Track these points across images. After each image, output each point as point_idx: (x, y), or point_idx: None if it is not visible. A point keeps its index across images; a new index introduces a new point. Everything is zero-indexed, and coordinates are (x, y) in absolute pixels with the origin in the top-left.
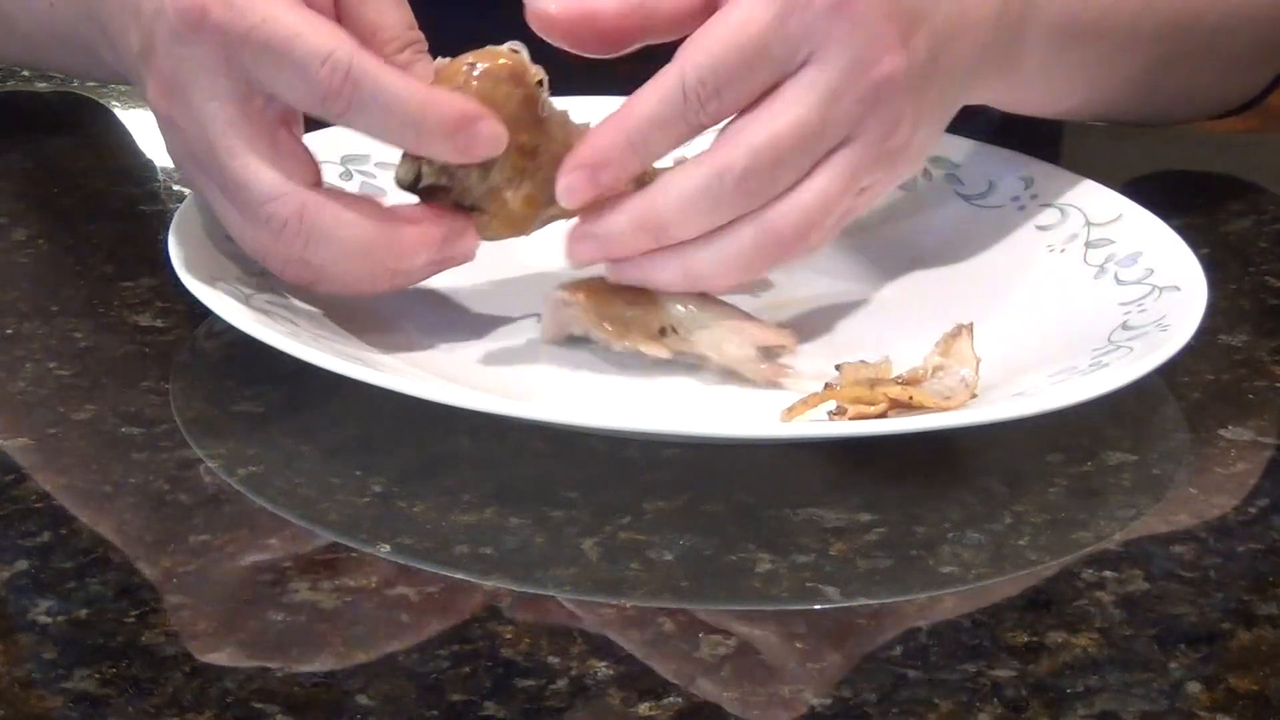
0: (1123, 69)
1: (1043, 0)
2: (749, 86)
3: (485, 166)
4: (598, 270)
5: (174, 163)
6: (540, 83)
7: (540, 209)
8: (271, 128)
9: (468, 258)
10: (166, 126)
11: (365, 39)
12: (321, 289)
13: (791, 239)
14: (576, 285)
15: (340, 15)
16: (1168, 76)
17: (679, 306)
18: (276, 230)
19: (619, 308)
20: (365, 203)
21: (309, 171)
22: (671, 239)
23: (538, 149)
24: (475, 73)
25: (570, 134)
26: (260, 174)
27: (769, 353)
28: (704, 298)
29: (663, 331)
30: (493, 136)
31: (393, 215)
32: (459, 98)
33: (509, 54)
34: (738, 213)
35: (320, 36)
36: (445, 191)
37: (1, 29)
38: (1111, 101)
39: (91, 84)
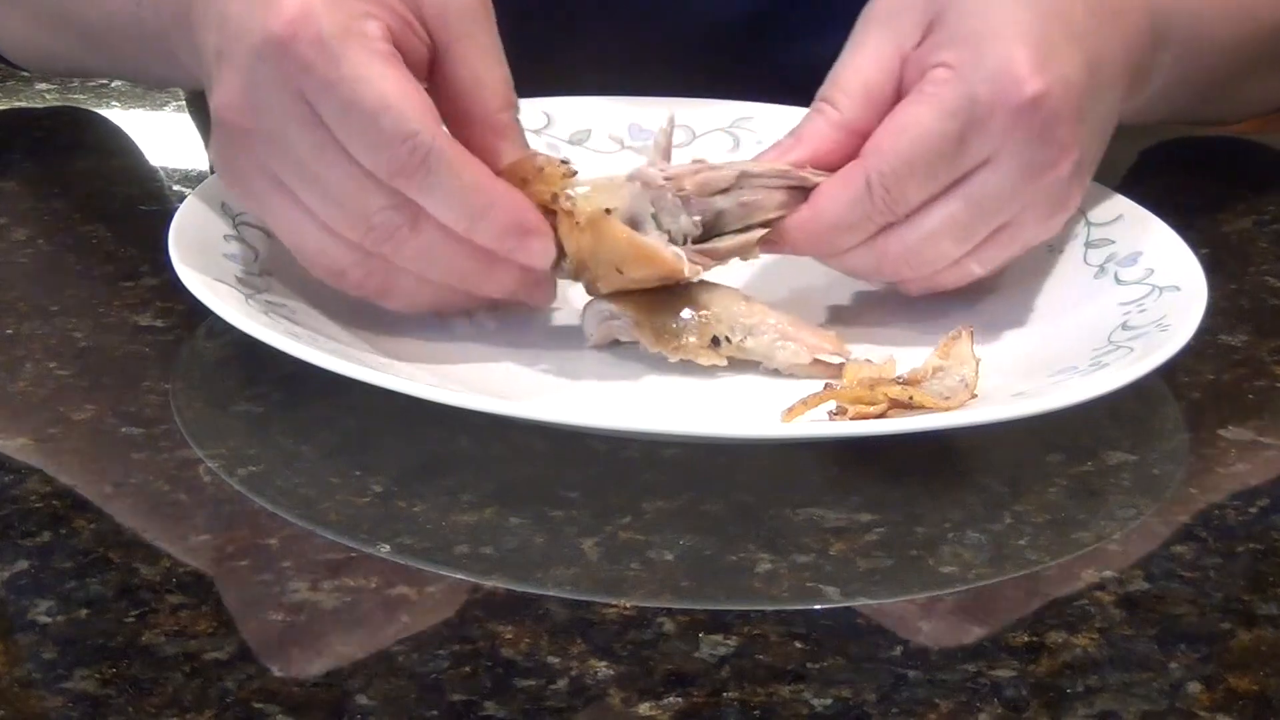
0: (1216, 77)
1: (1173, 27)
2: (934, 185)
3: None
4: None
5: (231, 177)
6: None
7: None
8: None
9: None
10: (235, 137)
11: (465, 93)
12: (393, 301)
13: (913, 280)
14: (617, 296)
15: (438, 67)
16: (1246, 81)
17: (730, 315)
18: (378, 237)
19: (668, 318)
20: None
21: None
22: (831, 250)
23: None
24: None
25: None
26: (359, 185)
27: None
28: (753, 308)
29: (715, 341)
30: (542, 252)
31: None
32: (524, 205)
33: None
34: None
35: (407, 113)
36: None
37: (69, 28)
38: (1192, 108)
39: (92, 86)
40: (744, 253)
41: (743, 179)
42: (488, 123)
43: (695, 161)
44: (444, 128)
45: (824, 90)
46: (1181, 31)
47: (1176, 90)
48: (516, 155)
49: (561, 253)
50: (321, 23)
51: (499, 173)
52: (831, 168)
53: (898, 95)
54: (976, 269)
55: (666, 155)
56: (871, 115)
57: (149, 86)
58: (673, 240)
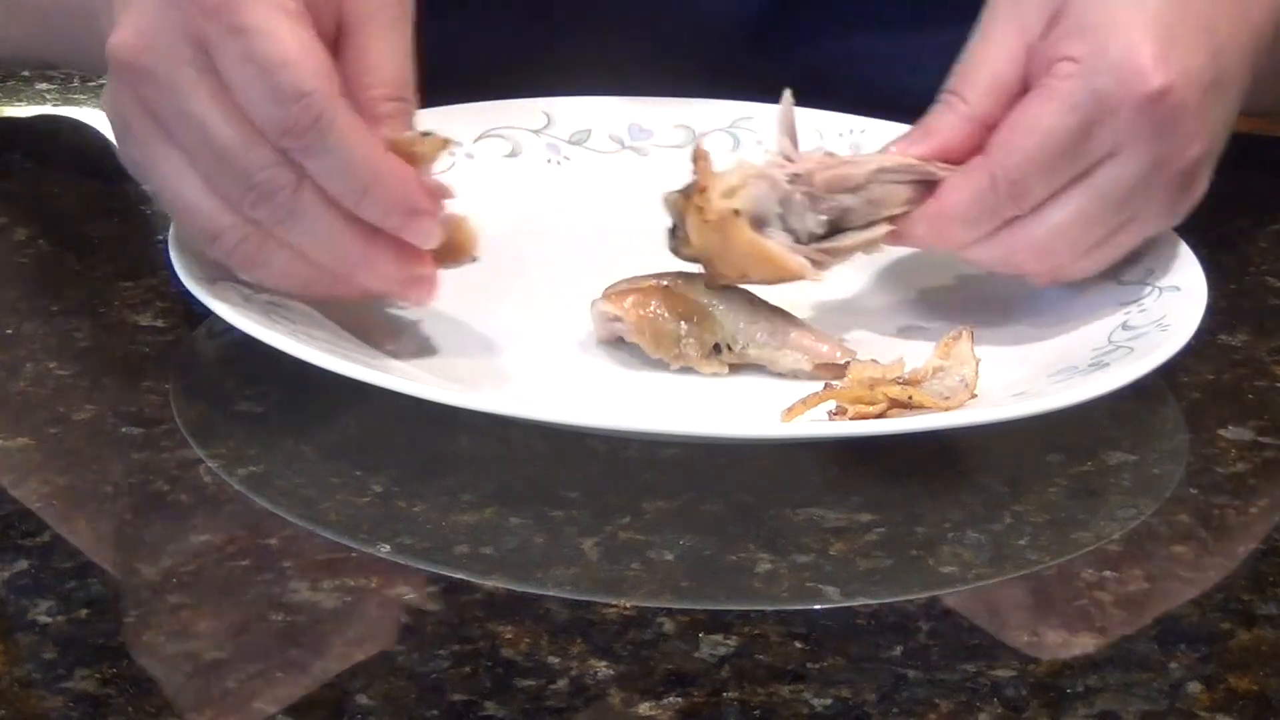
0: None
1: (1253, 21)
2: (1059, 179)
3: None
4: (626, 273)
5: (118, 124)
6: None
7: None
8: None
9: (427, 296)
10: (127, 79)
11: (358, 76)
12: (264, 273)
13: (1045, 272)
14: (620, 299)
15: (342, 45)
16: None
17: (731, 321)
18: (260, 195)
19: (669, 325)
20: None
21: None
22: (953, 243)
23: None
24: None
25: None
26: (238, 137)
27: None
28: (757, 310)
29: (716, 348)
30: (428, 233)
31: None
32: (413, 183)
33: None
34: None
35: (305, 72)
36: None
37: (23, 16)
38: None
39: (92, 86)
40: (869, 248)
41: (874, 175)
42: (373, 109)
43: (826, 155)
44: (342, 98)
45: (951, 82)
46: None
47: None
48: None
49: (688, 242)
50: None
51: None
52: (959, 161)
53: (1024, 87)
54: (1103, 259)
55: (794, 139)
56: (998, 108)
57: (66, 64)
58: (798, 239)
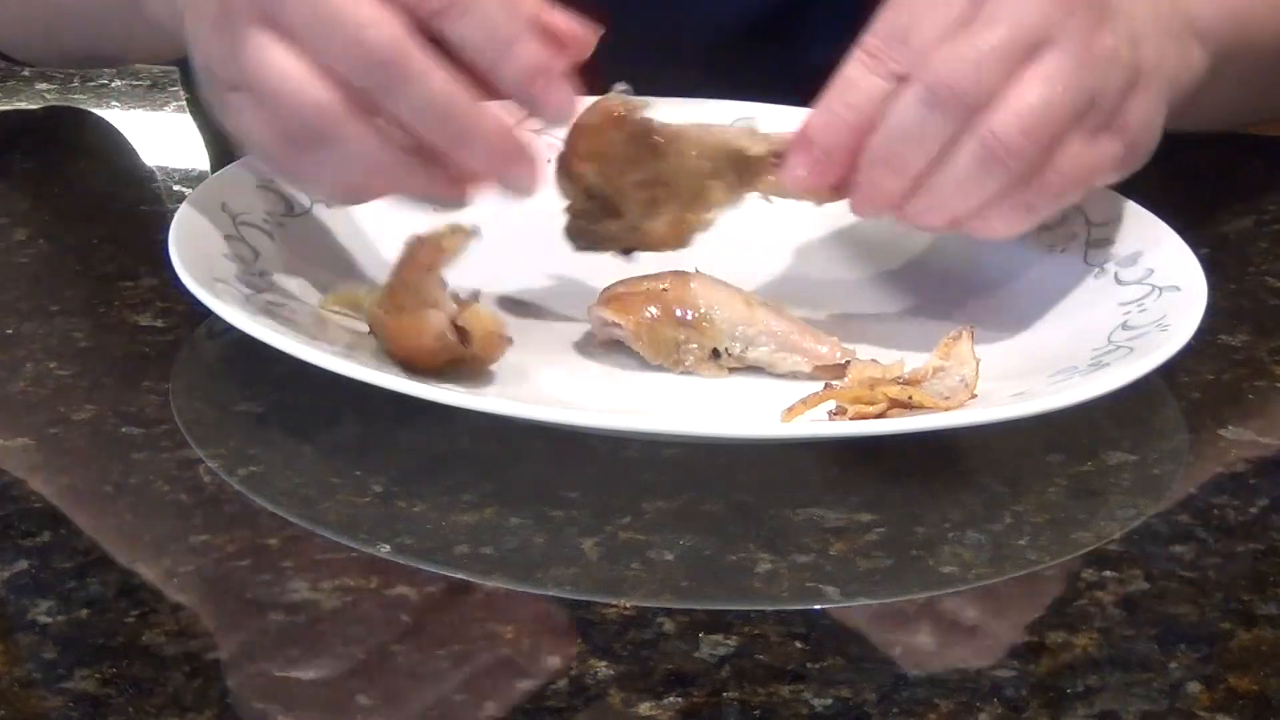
0: (1256, 84)
1: (1196, 12)
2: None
3: (614, 215)
4: (625, 273)
5: (194, 34)
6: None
7: (688, 228)
8: None
9: (526, 189)
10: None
11: None
12: (341, 161)
13: (1015, 148)
14: (617, 304)
15: None
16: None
17: (729, 324)
18: (366, 66)
19: (667, 331)
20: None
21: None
22: (904, 168)
23: (661, 175)
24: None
25: (706, 139)
26: (355, 6)
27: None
28: (754, 312)
29: (715, 353)
30: (564, 102)
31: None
32: (550, 54)
33: (615, 100)
34: (955, 127)
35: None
36: (592, 234)
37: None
38: (1240, 115)
39: (92, 86)
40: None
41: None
42: None
43: None
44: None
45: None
46: (1223, 33)
47: (1221, 92)
48: None
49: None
50: None
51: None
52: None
53: None
54: (1037, 205)
55: None
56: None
57: (122, 63)
58: None
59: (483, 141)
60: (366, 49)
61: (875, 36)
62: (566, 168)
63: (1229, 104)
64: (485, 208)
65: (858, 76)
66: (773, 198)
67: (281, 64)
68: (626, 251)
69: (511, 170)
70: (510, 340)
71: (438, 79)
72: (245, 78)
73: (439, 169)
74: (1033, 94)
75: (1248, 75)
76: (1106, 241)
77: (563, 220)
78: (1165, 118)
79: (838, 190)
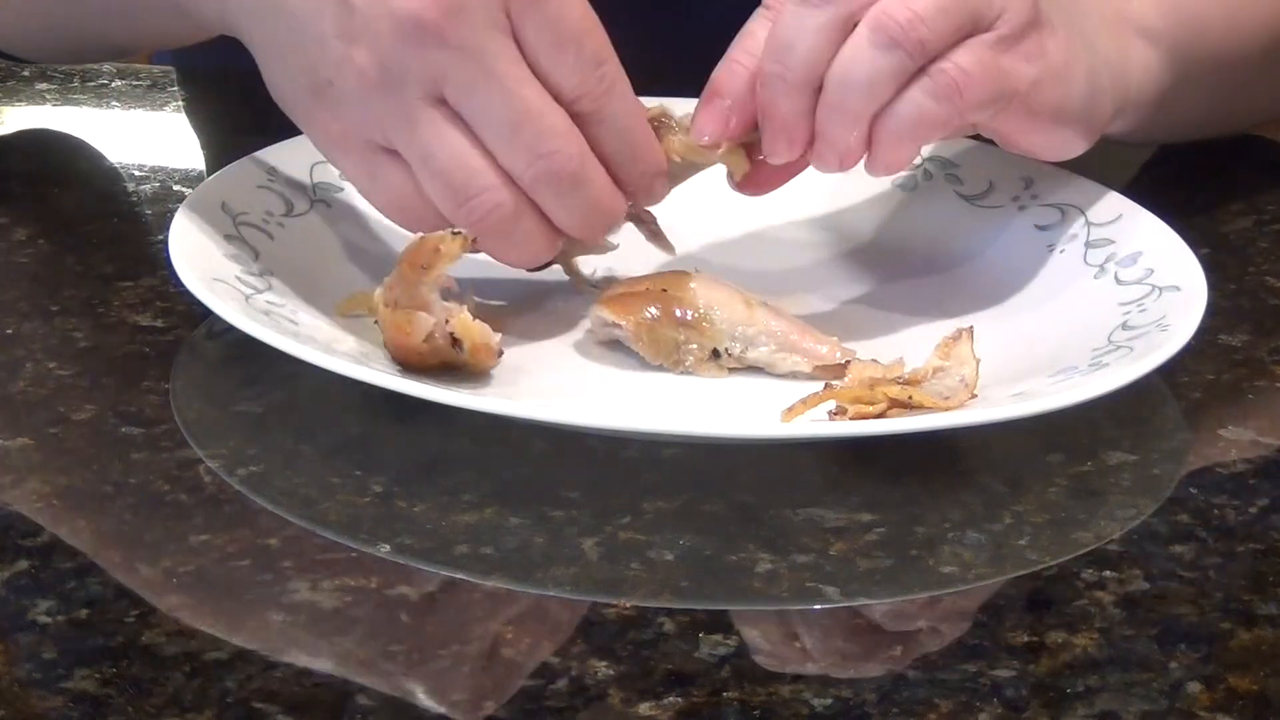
0: (1222, 87)
1: (1149, 17)
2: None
3: None
4: (625, 273)
5: (342, 114)
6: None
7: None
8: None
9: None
10: (415, 41)
11: None
12: (503, 242)
13: (903, 23)
14: (618, 304)
15: None
16: (1255, 93)
17: (729, 325)
18: (548, 174)
19: (667, 332)
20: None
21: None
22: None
23: None
24: None
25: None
26: (547, 107)
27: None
28: (754, 312)
29: (715, 354)
30: (662, 193)
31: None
32: (663, 157)
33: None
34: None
35: (603, 39)
36: None
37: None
38: (1213, 121)
39: (92, 86)
40: None
41: None
42: None
43: None
44: None
45: None
46: (1174, 35)
47: (1190, 99)
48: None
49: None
50: None
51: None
52: None
53: None
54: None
55: None
56: None
57: (147, 49)
58: None
59: (652, 155)
60: (556, 163)
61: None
62: None
63: (1203, 112)
64: None
65: (755, 28)
66: (686, 168)
67: (460, 151)
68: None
69: (660, 183)
70: (502, 351)
71: (604, 188)
72: (415, 150)
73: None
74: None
75: (1215, 81)
76: (1106, 241)
77: None
78: (1130, 122)
79: (777, 174)
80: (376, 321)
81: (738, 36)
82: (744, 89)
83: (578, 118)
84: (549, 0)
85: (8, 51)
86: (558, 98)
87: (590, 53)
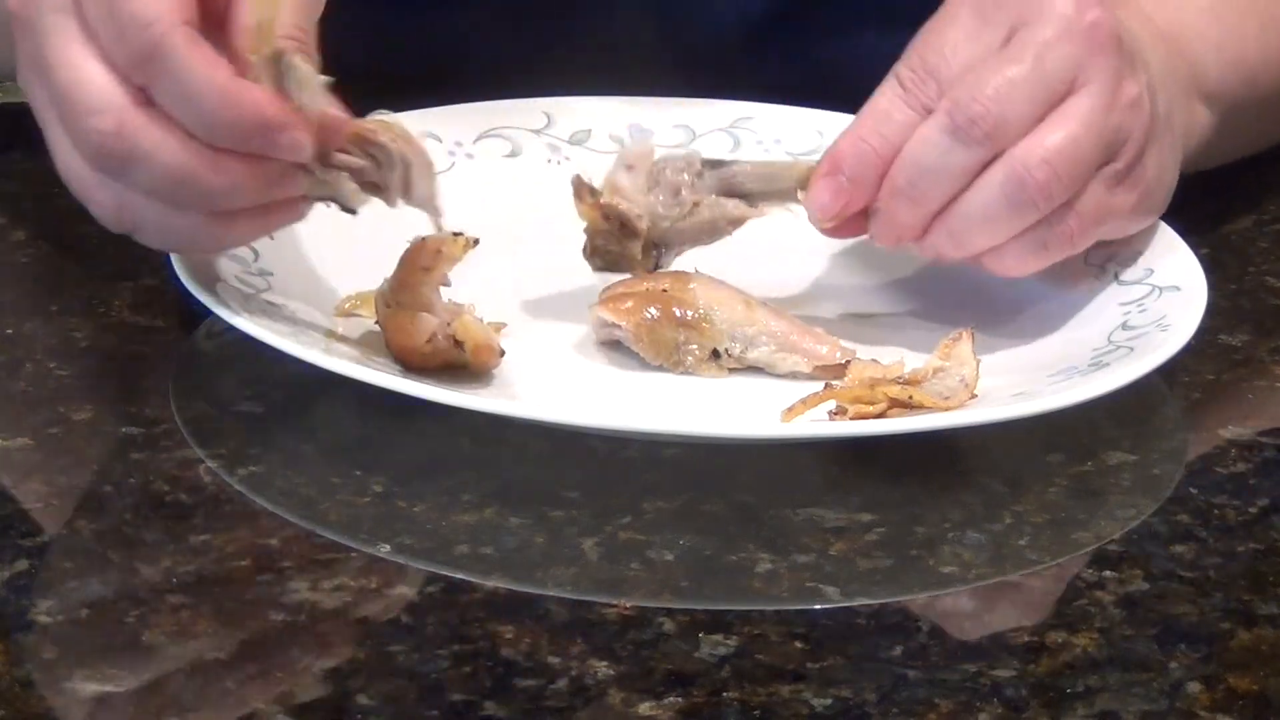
0: (1260, 132)
1: (1207, 76)
2: (1025, 110)
3: (633, 234)
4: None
5: (19, 74)
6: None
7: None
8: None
9: (296, 215)
10: (17, 28)
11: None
12: (143, 238)
13: (1042, 183)
14: (618, 304)
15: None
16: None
17: (729, 324)
18: (95, 153)
19: (667, 332)
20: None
21: (135, 91)
22: (924, 199)
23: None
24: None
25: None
26: (87, 83)
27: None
28: (754, 313)
29: (715, 354)
30: (293, 145)
31: (215, 149)
32: (265, 99)
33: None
34: (978, 159)
35: (145, 3)
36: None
37: None
38: (1237, 155)
39: None
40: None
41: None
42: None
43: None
44: (189, 26)
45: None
46: (1232, 93)
47: (1224, 143)
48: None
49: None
50: None
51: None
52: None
53: None
54: (1050, 252)
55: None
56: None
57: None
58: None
59: (236, 114)
60: (95, 140)
61: (909, 67)
62: (582, 191)
63: (1229, 152)
64: (488, 210)
65: (889, 106)
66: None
67: (83, 66)
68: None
69: (277, 138)
70: (503, 352)
71: (176, 161)
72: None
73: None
74: (1060, 132)
75: (1252, 125)
76: (1107, 241)
77: (580, 239)
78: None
79: (853, 223)
80: (378, 323)
81: (867, 108)
82: (868, 175)
83: (148, 93)
84: None
85: None
86: (123, 72)
87: (129, 18)
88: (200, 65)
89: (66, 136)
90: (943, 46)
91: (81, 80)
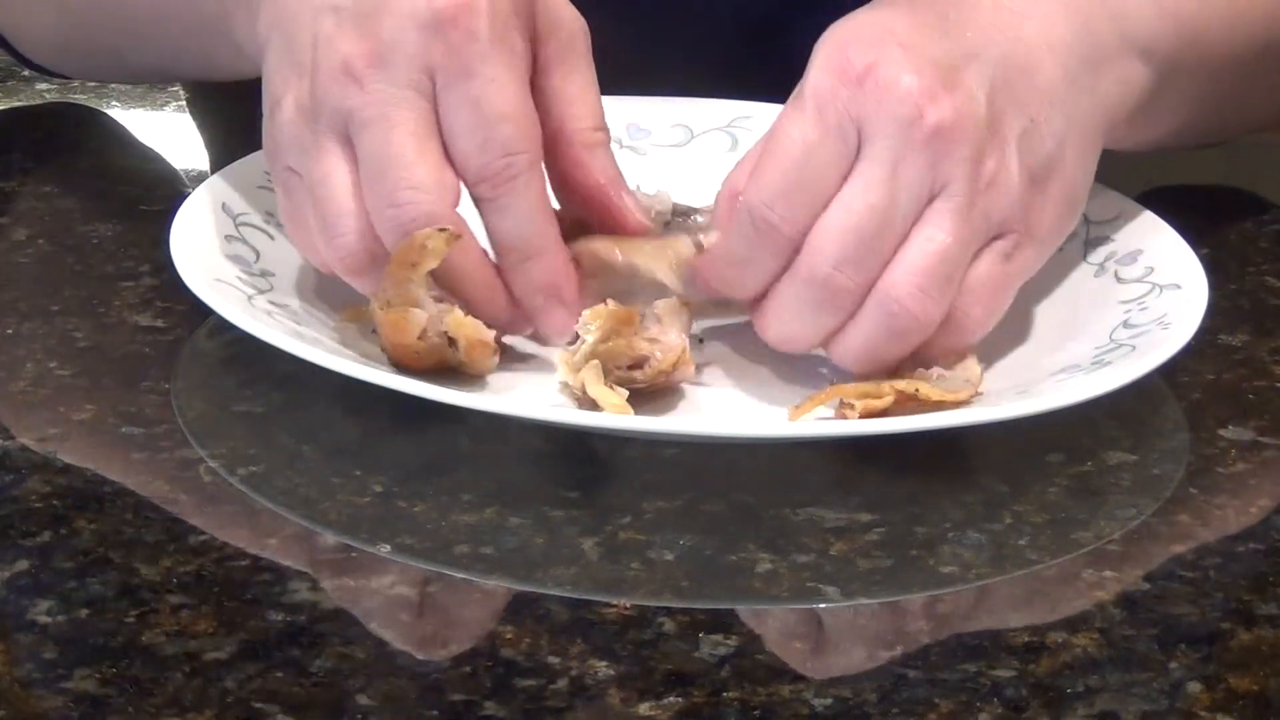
0: (1212, 96)
1: (1138, 29)
2: (817, 190)
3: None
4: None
5: (275, 134)
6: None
7: None
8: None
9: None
10: (337, 86)
11: (562, 109)
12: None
13: (916, 304)
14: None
15: (539, 83)
16: (1246, 99)
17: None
18: (399, 229)
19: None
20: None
21: (454, 191)
22: (803, 338)
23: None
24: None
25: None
26: (425, 174)
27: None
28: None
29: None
30: (561, 325)
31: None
32: (570, 272)
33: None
34: (847, 308)
35: (524, 132)
36: None
37: (111, 21)
38: (1197, 130)
39: (92, 86)
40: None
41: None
42: (581, 139)
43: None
44: (542, 165)
45: None
46: (1169, 46)
47: (1176, 107)
48: (603, 172)
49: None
50: (483, 19)
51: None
52: None
53: None
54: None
55: None
56: None
57: (191, 78)
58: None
59: (542, 268)
60: (405, 214)
61: (766, 201)
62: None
63: (1189, 121)
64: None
65: (754, 255)
66: None
67: (338, 188)
68: None
69: (551, 310)
70: (498, 349)
71: (538, 208)
72: (309, 177)
73: None
74: (926, 253)
75: (1205, 92)
76: (1105, 240)
77: None
78: (1111, 142)
79: None
80: (374, 330)
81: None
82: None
83: (478, 202)
84: (476, 79)
85: (60, 72)
86: (462, 176)
87: (502, 139)
88: (541, 211)
89: (352, 177)
90: (787, 169)
91: (415, 156)
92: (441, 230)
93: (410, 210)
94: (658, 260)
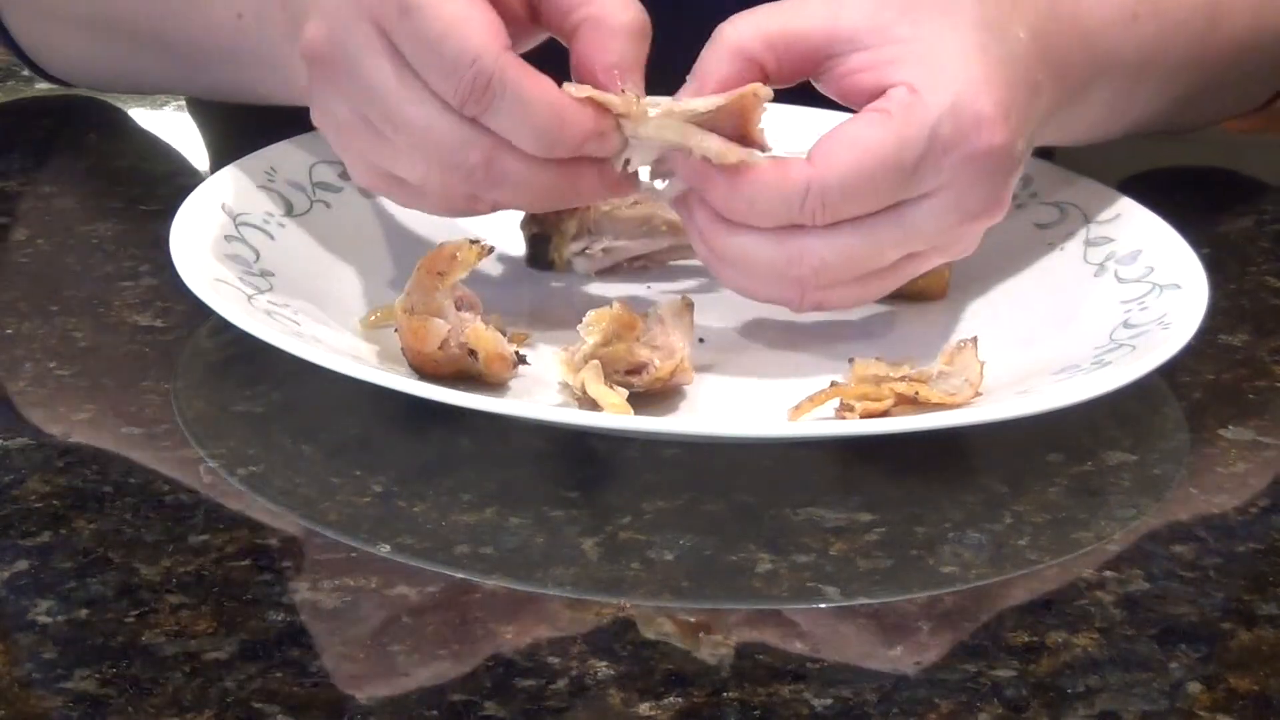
0: (1166, 97)
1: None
2: (868, 205)
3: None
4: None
5: (324, 122)
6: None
7: None
8: None
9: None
10: (322, 76)
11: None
12: (491, 194)
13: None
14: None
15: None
16: (1201, 97)
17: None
18: (465, 181)
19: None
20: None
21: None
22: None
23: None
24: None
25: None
26: (433, 127)
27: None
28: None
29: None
30: (614, 147)
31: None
32: (591, 111)
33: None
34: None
35: (469, 37)
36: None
37: (156, 47)
38: (1147, 124)
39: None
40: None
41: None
42: (609, 21)
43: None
44: (509, 51)
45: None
46: (1127, 57)
47: (1128, 111)
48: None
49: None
50: None
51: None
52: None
53: (812, 60)
54: (873, 293)
55: None
56: (775, 60)
57: (242, 102)
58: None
59: (572, 131)
60: (458, 178)
61: (830, 188)
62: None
63: (1163, 101)
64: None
65: (782, 211)
66: None
67: (404, 166)
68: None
69: (604, 144)
70: (516, 362)
71: (526, 175)
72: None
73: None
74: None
75: (1171, 73)
76: (1105, 239)
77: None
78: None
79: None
80: (397, 330)
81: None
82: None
83: (479, 121)
84: (409, 9)
85: (66, 79)
86: (453, 106)
87: (452, 54)
88: (532, 90)
89: (415, 153)
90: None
91: (428, 124)
92: (473, 242)
93: (462, 173)
94: (660, 131)
